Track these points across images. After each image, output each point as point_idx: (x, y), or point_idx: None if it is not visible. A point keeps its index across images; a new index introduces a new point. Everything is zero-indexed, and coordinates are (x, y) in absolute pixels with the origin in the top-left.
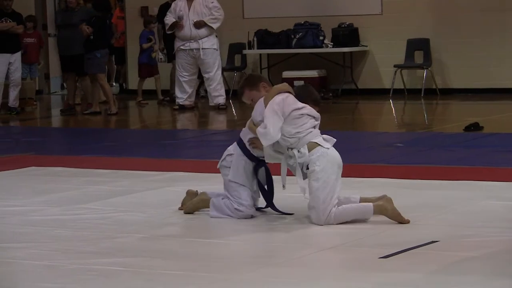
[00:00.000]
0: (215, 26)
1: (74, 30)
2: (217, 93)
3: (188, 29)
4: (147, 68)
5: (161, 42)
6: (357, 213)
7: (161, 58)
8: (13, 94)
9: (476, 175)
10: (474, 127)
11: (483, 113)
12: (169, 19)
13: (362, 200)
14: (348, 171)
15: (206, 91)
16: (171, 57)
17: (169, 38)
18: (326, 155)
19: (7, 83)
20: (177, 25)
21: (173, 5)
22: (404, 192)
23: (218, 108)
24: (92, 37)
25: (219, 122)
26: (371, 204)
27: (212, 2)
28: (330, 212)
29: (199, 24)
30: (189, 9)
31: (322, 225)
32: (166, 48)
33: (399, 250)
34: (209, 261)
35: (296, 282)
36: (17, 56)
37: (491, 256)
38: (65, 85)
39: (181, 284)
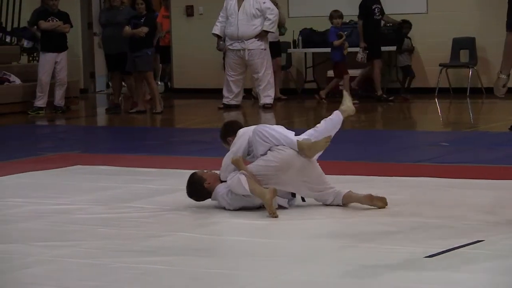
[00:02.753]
0: (274, 29)
1: (119, 29)
2: (266, 93)
3: (235, 28)
4: (343, 67)
5: (362, 40)
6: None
7: (361, 58)
8: (59, 93)
9: None
10: None
11: None
12: (217, 28)
13: (347, 195)
14: (393, 170)
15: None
16: (375, 55)
17: (371, 36)
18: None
19: (52, 82)
20: (219, 44)
21: (225, 2)
22: (449, 191)
23: (264, 107)
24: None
25: (265, 120)
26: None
27: (265, 3)
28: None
29: (262, 37)
30: (238, 9)
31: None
32: (369, 47)
33: (445, 249)
34: (251, 259)
35: (338, 282)
36: (63, 55)
37: None
38: (110, 83)
39: (224, 283)
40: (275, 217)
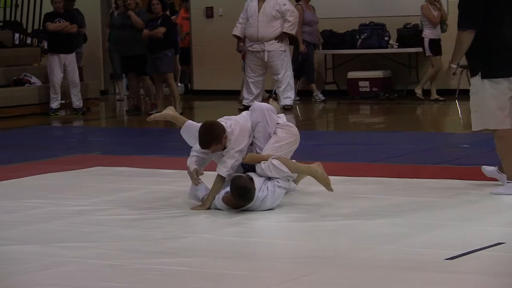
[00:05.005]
0: (294, 31)
1: (133, 31)
2: (286, 95)
3: (255, 30)
4: None
5: None
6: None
7: None
8: (75, 94)
9: None
10: None
11: None
12: (237, 29)
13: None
14: (414, 172)
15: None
16: None
17: None
18: None
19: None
20: (239, 45)
21: (245, 4)
22: (470, 193)
23: (283, 108)
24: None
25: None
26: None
27: (285, 5)
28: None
29: (282, 38)
30: (259, 10)
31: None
32: None
33: (465, 251)
34: (272, 261)
35: (360, 284)
36: (72, 57)
37: None
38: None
39: (244, 284)
40: (332, 190)
